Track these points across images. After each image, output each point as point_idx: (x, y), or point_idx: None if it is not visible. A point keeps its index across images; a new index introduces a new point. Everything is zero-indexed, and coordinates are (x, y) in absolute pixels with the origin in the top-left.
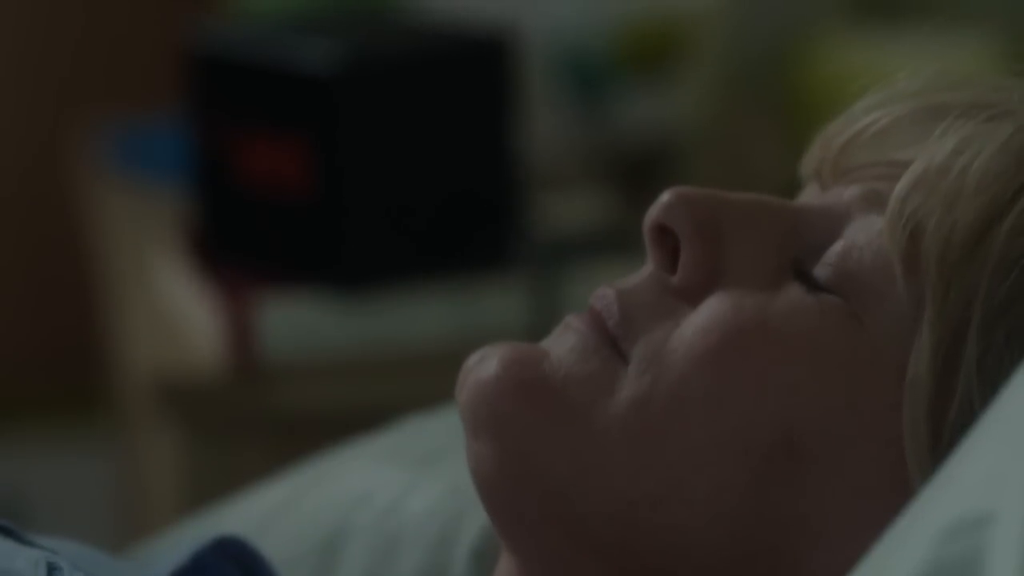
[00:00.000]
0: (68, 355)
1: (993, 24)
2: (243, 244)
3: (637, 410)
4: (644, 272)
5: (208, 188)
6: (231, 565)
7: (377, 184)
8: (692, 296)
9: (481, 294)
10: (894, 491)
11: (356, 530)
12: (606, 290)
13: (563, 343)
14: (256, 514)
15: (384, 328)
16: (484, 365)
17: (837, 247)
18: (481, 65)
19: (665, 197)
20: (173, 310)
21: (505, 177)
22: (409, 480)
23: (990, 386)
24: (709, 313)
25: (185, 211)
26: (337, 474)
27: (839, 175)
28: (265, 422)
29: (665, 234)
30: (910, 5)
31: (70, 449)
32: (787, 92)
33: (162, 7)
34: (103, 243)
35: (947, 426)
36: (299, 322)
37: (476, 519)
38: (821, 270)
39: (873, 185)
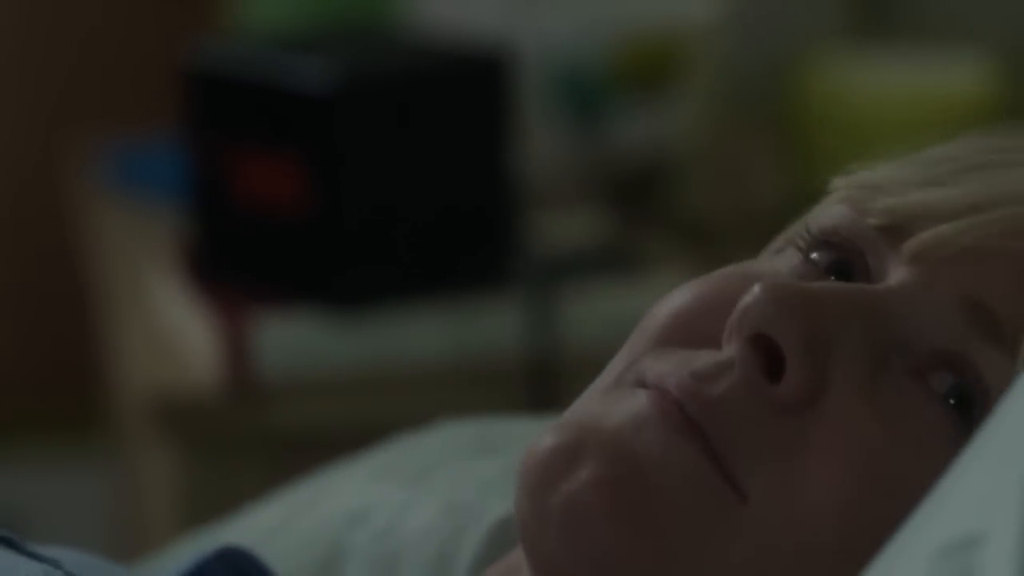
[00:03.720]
0: (64, 373)
1: (990, 42)
2: (240, 262)
3: (759, 556)
4: (736, 374)
5: (205, 206)
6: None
7: (374, 202)
8: (797, 409)
9: (478, 312)
10: None
11: (354, 550)
12: (696, 388)
13: (669, 461)
14: (252, 533)
15: (381, 346)
16: (575, 478)
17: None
18: (478, 83)
19: (767, 307)
20: (170, 328)
21: (502, 195)
22: (405, 497)
23: None
24: (839, 461)
25: (182, 229)
26: (332, 492)
27: (911, 255)
28: (262, 440)
29: (761, 337)
30: (907, 23)
31: (67, 467)
32: (784, 110)
33: (159, 25)
34: (100, 261)
35: None
36: (296, 340)
37: (474, 536)
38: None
39: (967, 287)
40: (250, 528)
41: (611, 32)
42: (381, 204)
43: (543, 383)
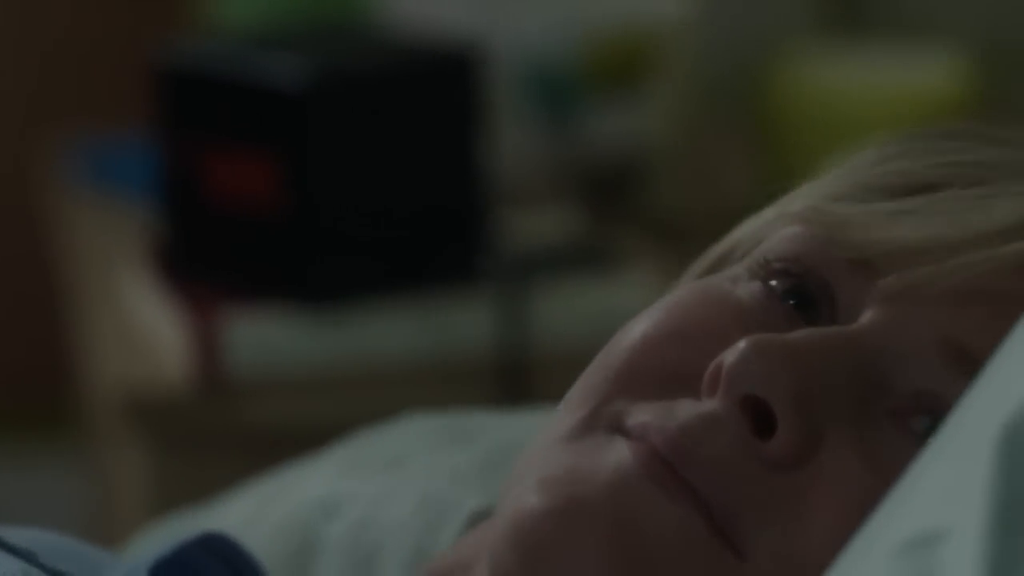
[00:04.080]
0: (36, 371)
1: (963, 39)
2: (212, 260)
3: None
4: (726, 433)
5: (177, 204)
6: (218, 562)
7: (346, 200)
8: (787, 466)
9: (449, 310)
10: None
11: (329, 541)
12: (685, 446)
13: (665, 524)
14: (223, 525)
15: (352, 343)
16: (572, 550)
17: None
18: (450, 81)
19: (753, 366)
20: (141, 326)
21: (473, 193)
22: (378, 489)
23: None
24: (837, 518)
25: (154, 227)
26: (302, 485)
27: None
28: (233, 438)
29: (750, 397)
30: (880, 21)
31: (39, 465)
32: (756, 108)
33: (131, 23)
34: (72, 259)
35: None
36: (267, 337)
37: (451, 529)
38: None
39: (946, 328)
40: (220, 521)
41: (583, 30)
42: (353, 202)
43: (515, 380)
